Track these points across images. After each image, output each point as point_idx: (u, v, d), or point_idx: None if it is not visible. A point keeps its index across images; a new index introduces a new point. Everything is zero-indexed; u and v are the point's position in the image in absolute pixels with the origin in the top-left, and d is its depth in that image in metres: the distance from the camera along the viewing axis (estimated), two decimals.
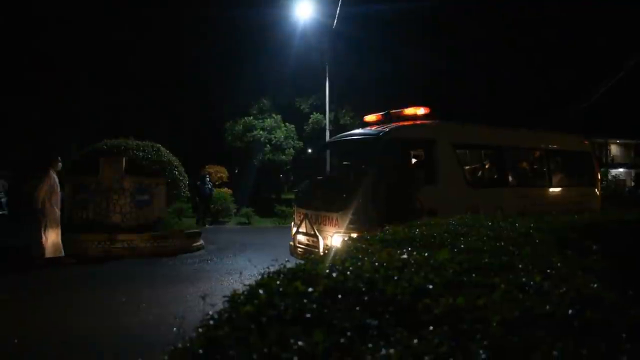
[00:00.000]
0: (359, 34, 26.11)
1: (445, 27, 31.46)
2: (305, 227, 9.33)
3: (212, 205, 21.74)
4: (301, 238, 9.55)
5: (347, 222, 8.30)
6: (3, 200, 21.76)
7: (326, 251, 3.30)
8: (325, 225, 8.86)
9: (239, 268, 10.92)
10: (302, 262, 2.61)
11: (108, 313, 7.31)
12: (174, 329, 1.84)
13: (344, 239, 4.11)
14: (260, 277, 2.24)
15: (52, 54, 27.57)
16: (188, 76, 29.12)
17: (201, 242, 14.26)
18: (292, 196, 22.13)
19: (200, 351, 1.45)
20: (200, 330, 1.66)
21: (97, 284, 9.28)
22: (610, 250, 3.85)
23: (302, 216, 9.55)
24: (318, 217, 9.08)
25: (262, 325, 1.58)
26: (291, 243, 9.90)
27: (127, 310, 7.48)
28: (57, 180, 11.19)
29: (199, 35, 29.45)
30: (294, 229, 9.82)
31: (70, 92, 27.69)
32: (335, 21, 19.86)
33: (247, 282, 2.22)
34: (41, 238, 10.67)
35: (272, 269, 2.39)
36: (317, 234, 8.84)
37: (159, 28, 29.41)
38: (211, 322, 1.70)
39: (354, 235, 5.11)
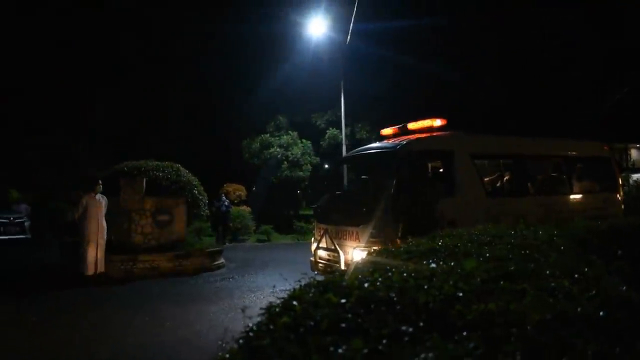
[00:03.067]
0: (372, 49, 26.28)
1: (458, 38, 31.49)
2: (326, 242, 9.34)
3: (231, 224, 21.83)
4: (322, 253, 9.56)
5: (367, 235, 8.30)
6: (26, 224, 22.02)
7: (348, 265, 3.32)
8: (345, 239, 8.87)
9: (260, 285, 10.98)
10: (327, 276, 2.65)
11: (133, 333, 7.36)
12: (219, 342, 1.87)
13: (366, 253, 4.13)
14: (291, 290, 2.28)
15: (63, 68, 28.01)
16: (204, 96, 29.40)
17: (222, 260, 14.33)
18: (310, 212, 22.18)
19: None
20: (240, 341, 1.71)
21: (121, 304, 9.35)
22: (634, 254, 3.85)
23: (322, 231, 9.56)
24: (338, 231, 9.10)
25: (300, 335, 1.62)
26: (312, 259, 9.91)
27: (152, 329, 7.53)
28: (99, 201, 11.68)
29: (214, 55, 29.81)
30: (314, 245, 9.83)
31: (88, 116, 28.11)
32: (349, 37, 20.03)
33: (270, 299, 2.26)
34: (83, 256, 11.31)
35: (301, 283, 2.44)
36: (338, 248, 8.85)
37: (175, 48, 29.85)
38: (250, 333, 1.75)
39: (376, 248, 5.13)
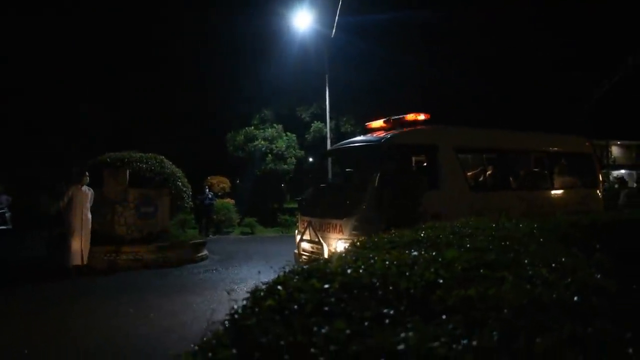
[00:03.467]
0: (358, 42, 26.30)
1: (444, 33, 31.62)
2: (310, 234, 9.38)
3: (215, 216, 21.79)
4: (305, 246, 9.60)
5: (351, 228, 8.35)
6: (7, 215, 21.86)
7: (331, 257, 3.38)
8: (329, 232, 8.91)
9: (244, 277, 11.02)
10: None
11: (117, 324, 7.37)
12: (206, 323, 1.91)
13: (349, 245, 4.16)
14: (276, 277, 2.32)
15: (56, 68, 27.83)
16: (189, 88, 29.27)
17: (205, 252, 14.34)
18: (294, 205, 22.23)
19: (231, 340, 1.53)
20: (226, 323, 1.75)
21: (105, 295, 9.34)
22: (614, 249, 3.92)
23: (305, 224, 9.60)
24: (322, 224, 9.14)
25: (285, 317, 1.66)
26: (296, 251, 9.95)
27: (136, 320, 7.54)
28: (85, 192, 11.69)
29: (199, 47, 29.69)
30: (298, 237, 9.87)
31: (73, 106, 27.93)
32: (334, 30, 20.03)
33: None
34: (66, 247, 11.31)
35: (285, 270, 2.48)
36: (322, 241, 8.90)
37: (160, 41, 29.68)
38: (236, 316, 1.78)
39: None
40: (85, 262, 11.36)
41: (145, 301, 8.78)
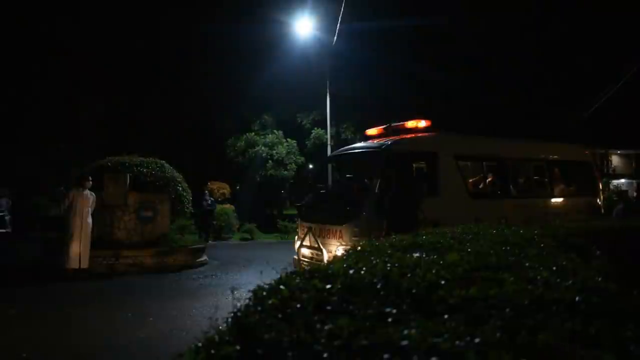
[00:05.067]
0: (359, 49, 26.35)
1: (445, 40, 31.64)
2: (309, 240, 9.38)
3: (215, 222, 21.75)
4: (305, 251, 9.61)
5: (351, 234, 8.36)
6: (7, 217, 21.85)
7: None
8: (329, 238, 8.92)
9: (244, 283, 10.95)
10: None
11: (114, 328, 7.34)
12: (206, 328, 1.91)
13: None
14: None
15: (55, 69, 27.89)
16: (191, 93, 29.31)
17: (205, 257, 14.32)
18: (294, 212, 22.22)
19: (233, 337, 1.53)
20: (229, 320, 1.76)
21: (104, 300, 9.32)
22: (613, 255, 3.94)
23: (305, 230, 9.61)
24: (322, 230, 9.14)
25: (287, 315, 1.67)
26: (295, 257, 9.95)
27: (134, 324, 7.51)
28: (86, 196, 11.72)
29: (201, 53, 29.77)
30: (298, 243, 9.87)
31: (73, 109, 27.99)
32: (335, 37, 20.09)
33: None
34: (65, 250, 11.28)
35: (287, 271, 2.49)
36: (321, 247, 8.90)
37: (161, 47, 29.76)
38: (239, 313, 1.79)
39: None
40: (84, 266, 11.33)
41: (144, 306, 8.74)
